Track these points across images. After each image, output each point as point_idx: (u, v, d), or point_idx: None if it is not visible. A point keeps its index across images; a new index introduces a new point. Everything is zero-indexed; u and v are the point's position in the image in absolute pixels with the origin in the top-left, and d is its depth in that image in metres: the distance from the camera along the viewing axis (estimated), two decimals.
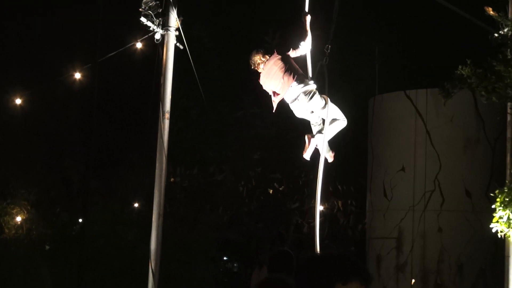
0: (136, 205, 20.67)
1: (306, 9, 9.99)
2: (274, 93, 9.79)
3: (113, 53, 14.48)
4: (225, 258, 26.34)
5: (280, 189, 22.35)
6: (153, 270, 12.74)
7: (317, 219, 9.91)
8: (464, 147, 16.91)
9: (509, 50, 11.66)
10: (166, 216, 13.95)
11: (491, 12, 12.12)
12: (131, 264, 18.28)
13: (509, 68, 10.87)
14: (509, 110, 12.25)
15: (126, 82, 20.79)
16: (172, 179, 20.82)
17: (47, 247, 20.61)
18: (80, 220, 20.49)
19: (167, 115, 13.34)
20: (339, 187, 22.28)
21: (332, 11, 10.20)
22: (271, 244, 22.36)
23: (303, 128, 14.32)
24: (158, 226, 13.21)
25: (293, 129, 19.74)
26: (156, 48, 13.53)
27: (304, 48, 9.82)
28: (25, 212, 20.37)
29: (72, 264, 18.48)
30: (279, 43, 21.90)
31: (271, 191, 22.35)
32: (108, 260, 18.81)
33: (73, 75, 15.30)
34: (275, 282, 4.60)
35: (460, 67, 11.16)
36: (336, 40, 10.48)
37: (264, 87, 9.96)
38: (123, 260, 18.70)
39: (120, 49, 14.30)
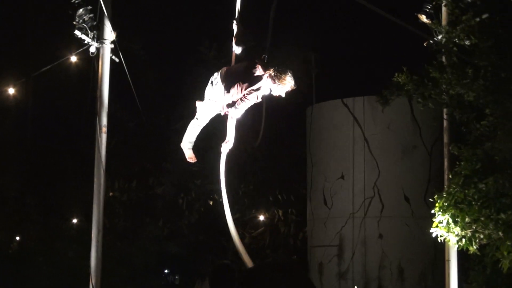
0: (74, 221, 20.32)
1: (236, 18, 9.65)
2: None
3: (47, 67, 14.21)
4: (166, 271, 26.11)
5: (220, 200, 22.20)
6: (94, 287, 12.53)
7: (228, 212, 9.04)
8: (402, 153, 17.07)
9: (443, 56, 11.84)
10: (105, 231, 13.73)
11: (425, 20, 12.27)
12: (72, 281, 17.96)
13: (444, 75, 11.00)
14: (445, 116, 12.40)
15: (60, 96, 20.42)
16: (110, 193, 20.54)
17: None
18: (18, 238, 20.04)
19: (104, 129, 13.13)
20: (279, 196, 22.26)
21: (267, 23, 10.10)
22: (212, 256, 22.22)
23: (241, 139, 14.29)
24: (97, 241, 12.98)
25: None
26: (90, 61, 13.33)
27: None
28: None
29: (10, 283, 18.05)
30: (215, 55, 21.83)
31: (211, 203, 22.21)
32: (47, 278, 18.43)
33: (6, 90, 14.99)
34: None
35: (396, 74, 11.26)
36: (272, 49, 10.39)
37: None
38: (63, 278, 18.35)
39: (54, 63, 14.05)
